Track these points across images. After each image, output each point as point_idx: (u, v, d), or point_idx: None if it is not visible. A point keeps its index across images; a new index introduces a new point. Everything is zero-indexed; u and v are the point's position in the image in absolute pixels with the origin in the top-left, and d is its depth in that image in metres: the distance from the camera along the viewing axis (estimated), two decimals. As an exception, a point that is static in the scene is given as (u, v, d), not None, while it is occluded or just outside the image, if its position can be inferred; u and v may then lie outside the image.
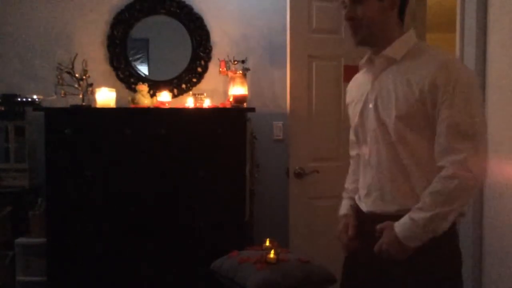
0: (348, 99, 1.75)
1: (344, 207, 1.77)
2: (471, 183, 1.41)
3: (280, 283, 2.11)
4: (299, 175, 3.06)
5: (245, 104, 3.16)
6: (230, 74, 3.22)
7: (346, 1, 1.55)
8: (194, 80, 3.46)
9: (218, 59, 3.37)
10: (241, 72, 3.18)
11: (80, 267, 2.99)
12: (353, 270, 1.69)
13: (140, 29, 3.46)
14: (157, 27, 3.48)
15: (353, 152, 1.83)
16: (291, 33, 3.06)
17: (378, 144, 1.56)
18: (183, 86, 3.45)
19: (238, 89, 3.13)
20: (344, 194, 1.82)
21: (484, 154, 1.44)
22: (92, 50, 3.41)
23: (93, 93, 3.11)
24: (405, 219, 1.45)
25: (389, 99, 1.51)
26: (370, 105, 1.58)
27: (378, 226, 1.51)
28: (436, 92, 1.42)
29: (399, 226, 1.45)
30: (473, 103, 1.43)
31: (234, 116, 3.06)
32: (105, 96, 3.08)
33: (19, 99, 3.28)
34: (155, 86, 3.37)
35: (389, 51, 1.54)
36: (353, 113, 1.69)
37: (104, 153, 3.00)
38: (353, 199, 1.75)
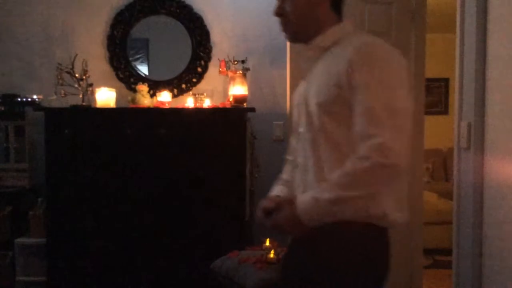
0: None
1: (273, 191, 1.68)
2: (386, 170, 1.29)
3: (280, 283, 2.11)
4: (299, 175, 3.06)
5: (245, 104, 3.15)
6: (230, 74, 3.22)
7: None
8: (194, 80, 3.46)
9: (218, 59, 3.37)
10: (241, 72, 3.18)
11: (80, 267, 3.00)
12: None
13: (140, 29, 3.46)
14: (157, 27, 3.48)
15: (289, 157, 1.72)
16: (291, 33, 3.06)
17: (305, 141, 1.48)
18: (183, 86, 3.45)
19: (238, 89, 3.12)
20: (277, 182, 1.74)
21: (404, 140, 1.32)
22: (92, 50, 3.41)
23: (93, 93, 3.12)
24: (307, 197, 1.36)
25: (313, 89, 1.46)
26: (302, 100, 1.52)
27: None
28: (352, 76, 1.33)
29: (301, 203, 1.36)
30: (392, 85, 1.34)
31: (234, 116, 3.06)
32: (105, 96, 3.08)
33: (19, 99, 3.28)
34: (155, 86, 3.37)
35: (317, 40, 1.50)
36: (294, 116, 1.63)
37: (104, 153, 3.00)
38: (285, 186, 1.67)
